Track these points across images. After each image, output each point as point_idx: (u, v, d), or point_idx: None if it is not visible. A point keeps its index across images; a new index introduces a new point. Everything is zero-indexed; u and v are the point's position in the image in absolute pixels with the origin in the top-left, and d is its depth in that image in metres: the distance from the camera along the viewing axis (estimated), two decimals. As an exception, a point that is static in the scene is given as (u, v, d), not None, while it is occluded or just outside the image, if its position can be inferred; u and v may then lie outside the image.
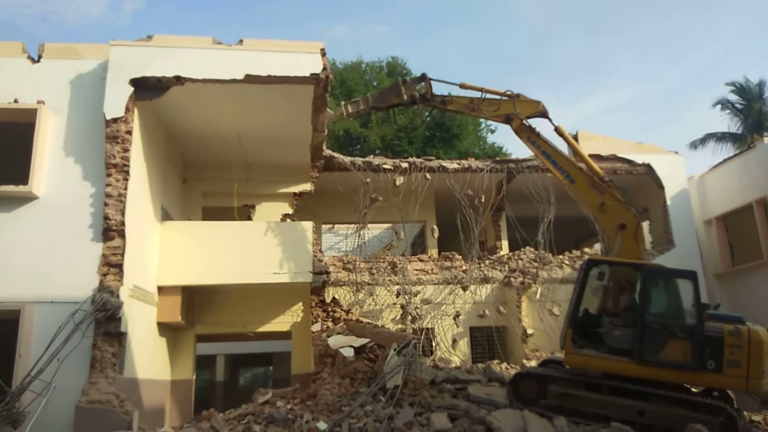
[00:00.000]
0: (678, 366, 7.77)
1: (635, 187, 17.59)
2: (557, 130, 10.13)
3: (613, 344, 8.07)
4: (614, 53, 79.47)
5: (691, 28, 73.98)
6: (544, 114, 10.24)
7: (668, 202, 16.53)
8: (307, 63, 10.65)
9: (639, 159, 16.61)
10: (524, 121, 10.14)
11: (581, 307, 8.42)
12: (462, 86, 11.19)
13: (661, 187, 16.58)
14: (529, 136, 10.10)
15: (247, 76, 10.32)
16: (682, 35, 75.29)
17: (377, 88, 27.67)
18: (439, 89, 11.06)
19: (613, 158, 16.48)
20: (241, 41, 10.83)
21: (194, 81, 10.28)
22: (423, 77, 10.97)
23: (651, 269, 8.53)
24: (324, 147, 14.06)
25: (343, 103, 11.57)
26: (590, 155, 16.26)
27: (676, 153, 17.10)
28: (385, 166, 15.37)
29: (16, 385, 8.34)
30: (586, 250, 15.80)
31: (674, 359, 7.77)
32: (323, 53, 10.77)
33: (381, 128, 25.10)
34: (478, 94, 10.62)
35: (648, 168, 16.58)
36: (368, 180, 14.95)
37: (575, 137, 16.70)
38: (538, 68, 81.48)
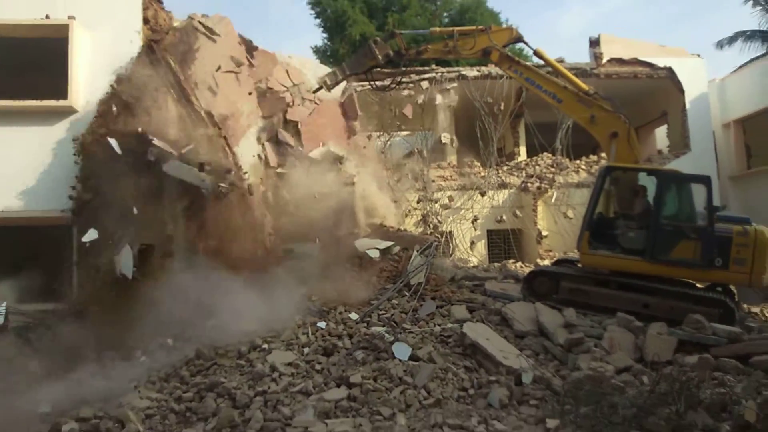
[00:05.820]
0: (688, 264, 8.25)
1: (656, 91, 17.49)
2: (536, 52, 10.16)
3: (627, 245, 8.51)
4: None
5: None
6: (519, 39, 10.27)
7: (687, 106, 16.48)
8: None
9: (661, 62, 16.39)
10: (502, 51, 10.17)
11: (597, 211, 8.88)
12: (432, 33, 11.04)
13: (682, 91, 16.46)
14: (510, 65, 10.10)
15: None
16: None
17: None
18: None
19: (635, 62, 16.30)
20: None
21: None
22: (392, 34, 10.91)
23: (667, 175, 8.84)
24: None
25: (319, 77, 11.32)
26: (612, 59, 16.33)
27: (698, 56, 16.80)
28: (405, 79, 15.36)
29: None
30: (603, 155, 15.99)
31: (684, 257, 8.25)
32: None
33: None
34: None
35: (669, 72, 16.40)
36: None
37: (597, 41, 16.46)
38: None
